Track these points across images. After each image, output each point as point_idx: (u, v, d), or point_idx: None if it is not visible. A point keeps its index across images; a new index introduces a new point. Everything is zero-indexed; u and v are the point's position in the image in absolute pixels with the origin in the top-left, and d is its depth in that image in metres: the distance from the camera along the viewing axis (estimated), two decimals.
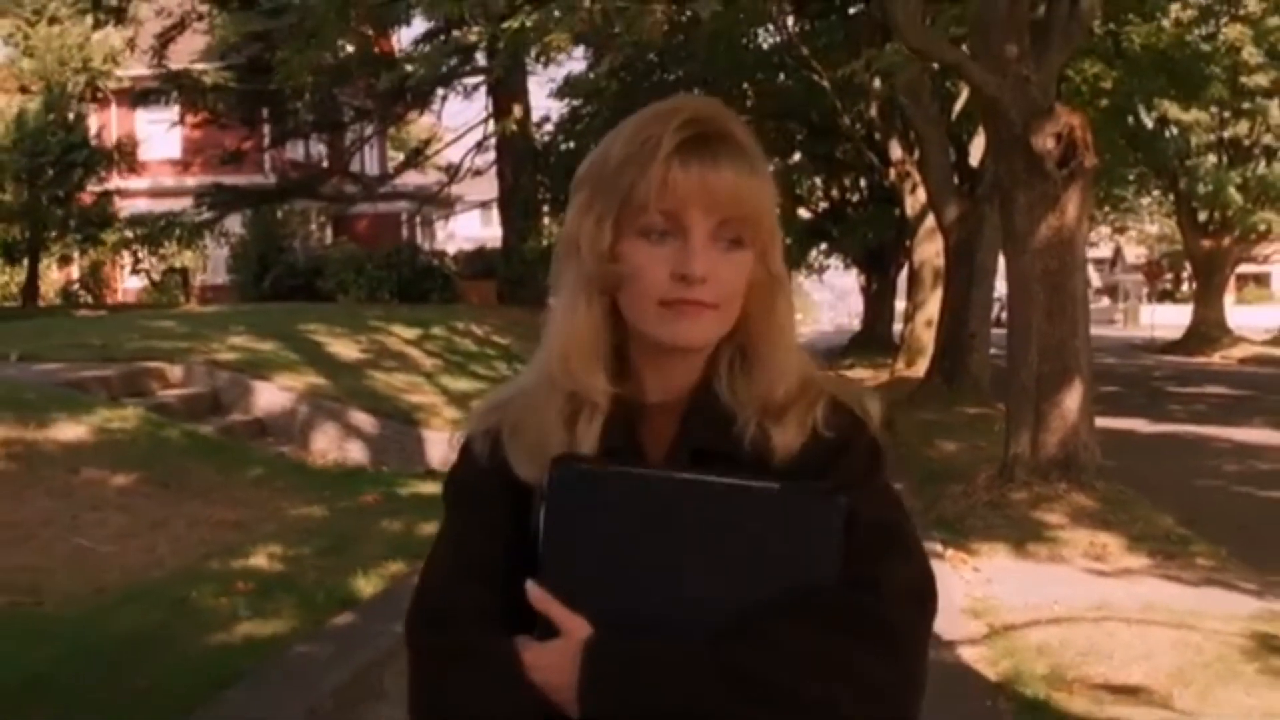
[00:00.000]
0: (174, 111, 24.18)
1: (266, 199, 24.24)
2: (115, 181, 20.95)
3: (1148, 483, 9.96)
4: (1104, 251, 65.00)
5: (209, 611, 5.05)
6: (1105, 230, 54.09)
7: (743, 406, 1.35)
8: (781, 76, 25.28)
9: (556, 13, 10.37)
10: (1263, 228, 31.91)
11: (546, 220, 24.13)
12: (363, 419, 9.05)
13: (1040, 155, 8.68)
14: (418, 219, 34.83)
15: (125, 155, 16.62)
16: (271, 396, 9.10)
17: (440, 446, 8.78)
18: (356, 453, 9.04)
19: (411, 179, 31.46)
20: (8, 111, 15.43)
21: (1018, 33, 9.07)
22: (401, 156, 33.74)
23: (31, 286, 16.89)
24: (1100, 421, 12.82)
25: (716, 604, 1.25)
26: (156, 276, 20.28)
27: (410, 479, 8.39)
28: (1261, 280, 66.46)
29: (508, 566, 1.30)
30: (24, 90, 16.72)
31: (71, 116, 15.80)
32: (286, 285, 24.97)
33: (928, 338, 19.05)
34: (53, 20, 16.81)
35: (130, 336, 10.12)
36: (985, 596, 6.58)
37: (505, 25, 10.37)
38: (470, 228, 49.94)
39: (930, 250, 19.74)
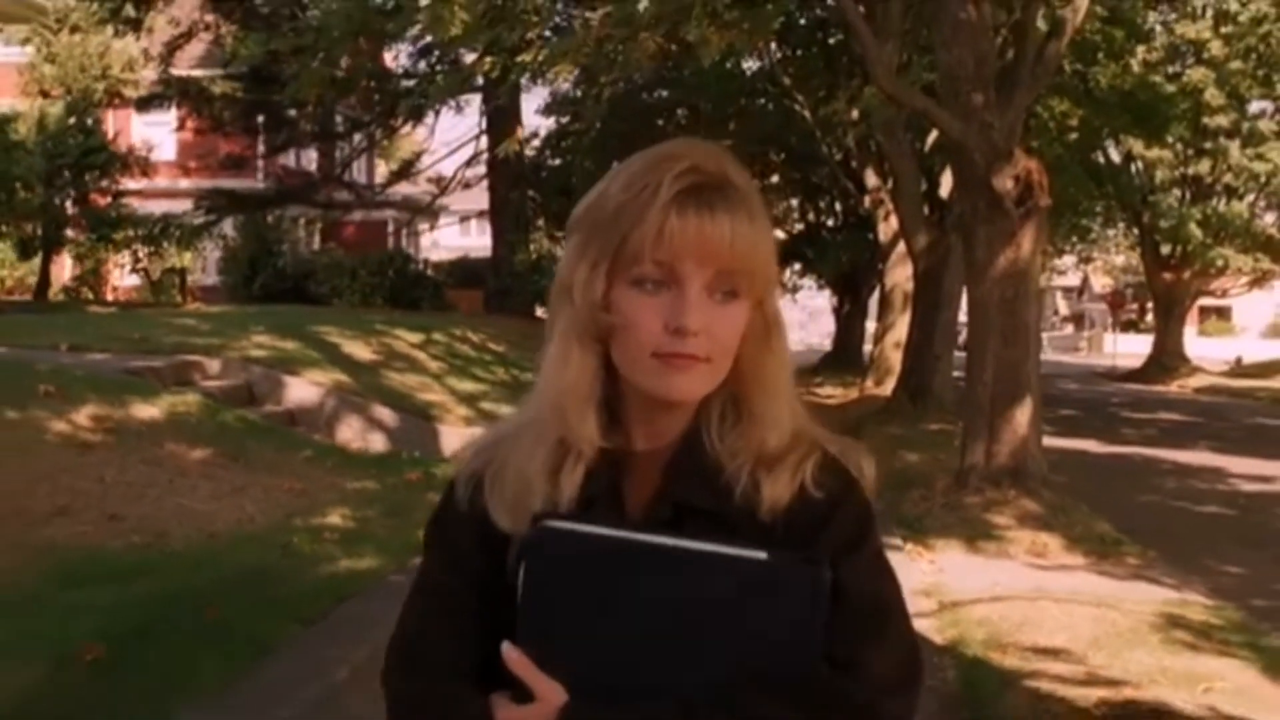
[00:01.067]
0: (170, 115, 25.05)
1: (264, 204, 25.05)
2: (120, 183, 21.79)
3: (1093, 496, 10.80)
4: (1073, 280, 66.35)
5: (309, 552, 6.21)
6: (1071, 260, 55.34)
7: (732, 457, 1.33)
8: (762, 101, 26.13)
9: (557, 46, 11.29)
10: (1220, 263, 33.00)
11: (539, 233, 24.98)
12: (384, 413, 9.92)
13: (1000, 194, 9.64)
14: (402, 227, 35.76)
15: (138, 159, 17.41)
16: (301, 390, 9.95)
17: (454, 440, 9.66)
18: (379, 443, 9.89)
19: (399, 188, 32.32)
20: (30, 114, 16.21)
21: (983, 84, 10.04)
22: (385, 165, 34.62)
23: (44, 282, 17.67)
24: (1056, 442, 13.89)
25: (694, 674, 1.23)
26: (155, 276, 21.02)
27: (441, 463, 9.35)
28: (1223, 313, 67.84)
29: (483, 618, 1.31)
30: (45, 94, 17.52)
31: (90, 121, 16.58)
32: (276, 288, 25.68)
33: (896, 358, 19.98)
34: (74, 29, 17.65)
35: (160, 332, 10.96)
36: (938, 582, 7.52)
37: (519, 59, 11.23)
38: (450, 237, 50.73)
39: (901, 275, 20.70)
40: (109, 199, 17.37)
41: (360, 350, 11.96)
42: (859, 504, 1.34)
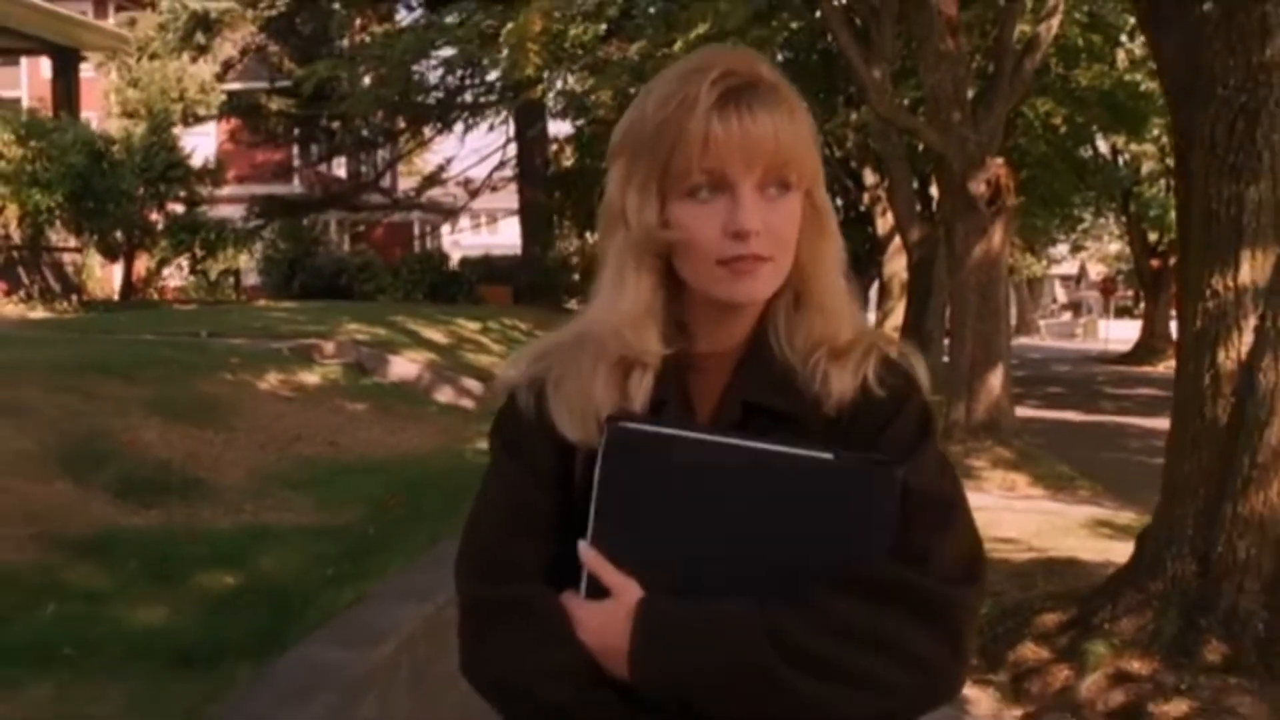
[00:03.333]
0: (210, 127, 27.15)
1: (310, 209, 27.09)
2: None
3: (1065, 453, 12.61)
4: (1071, 269, 68.16)
5: (476, 462, 7.71)
6: (1065, 249, 57.06)
7: (798, 352, 1.35)
8: None
9: (602, 77, 13.32)
10: None
11: (568, 231, 26.98)
12: (472, 384, 11.84)
13: (974, 196, 11.63)
14: (428, 228, 37.89)
15: (210, 172, 19.49)
16: (402, 366, 11.87)
17: None
18: (473, 407, 11.85)
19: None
20: (120, 135, 18.28)
21: (960, 104, 12.03)
22: (404, 169, 36.64)
23: (128, 284, 19.78)
24: (1042, 413, 15.87)
25: (767, 570, 1.25)
26: (213, 276, 23.08)
27: None
28: None
29: (554, 520, 1.33)
30: (129, 115, 19.61)
31: (168, 138, 18.63)
32: (314, 286, 27.66)
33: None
34: (153, 56, 19.74)
35: (271, 322, 13.01)
36: None
37: (566, 88, 13.26)
38: (467, 236, 52.71)
39: (898, 265, 22.75)
40: (186, 208, 19.38)
41: (436, 335, 13.98)
42: (921, 404, 1.36)
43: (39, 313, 15.10)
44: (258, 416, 7.60)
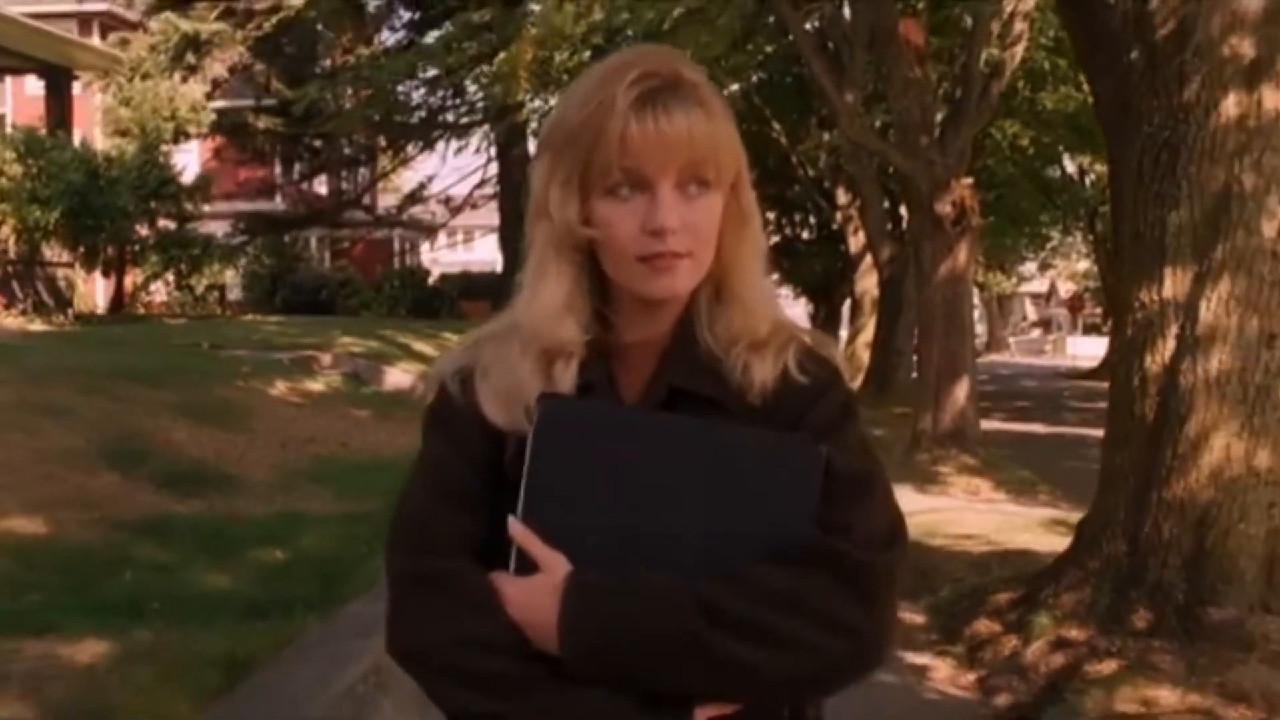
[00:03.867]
0: (193, 144, 27.63)
1: (294, 226, 27.63)
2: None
3: (1028, 462, 13.25)
4: (1041, 287, 69.14)
5: None
6: (1033, 267, 57.93)
7: (720, 343, 1.38)
8: (743, 125, 28.61)
9: None
10: None
11: None
12: None
13: (940, 216, 12.30)
14: (407, 244, 38.46)
15: (201, 189, 19.97)
16: (396, 377, 12.42)
17: None
18: None
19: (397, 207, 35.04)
20: (113, 153, 18.78)
21: (928, 129, 12.70)
22: (383, 185, 37.22)
23: (119, 299, 20.26)
24: (1008, 425, 16.51)
25: (694, 543, 1.28)
26: (199, 291, 23.52)
27: None
28: None
29: (483, 499, 1.35)
30: (121, 134, 20.09)
31: (160, 156, 19.10)
32: (295, 301, 28.21)
33: (866, 356, 22.68)
34: (145, 76, 20.24)
35: (267, 335, 13.57)
36: None
37: (549, 107, 13.84)
38: (444, 253, 53.23)
39: (869, 283, 23.42)
40: (177, 224, 19.85)
41: (425, 348, 14.55)
42: (842, 389, 1.41)
43: (38, 325, 15.57)
44: (273, 420, 8.16)
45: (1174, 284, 4.98)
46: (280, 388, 9.38)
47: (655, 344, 1.40)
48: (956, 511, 9.46)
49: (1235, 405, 4.81)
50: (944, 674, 5.37)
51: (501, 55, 10.90)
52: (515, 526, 1.28)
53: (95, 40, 27.98)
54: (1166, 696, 4.37)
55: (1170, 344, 5.00)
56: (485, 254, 41.45)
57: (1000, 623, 5.57)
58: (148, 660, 3.74)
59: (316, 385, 10.28)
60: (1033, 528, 8.70)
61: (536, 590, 1.26)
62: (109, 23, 31.02)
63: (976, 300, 65.22)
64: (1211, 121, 4.87)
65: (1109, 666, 4.70)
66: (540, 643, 1.26)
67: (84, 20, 32.33)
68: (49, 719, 3.23)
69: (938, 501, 10.47)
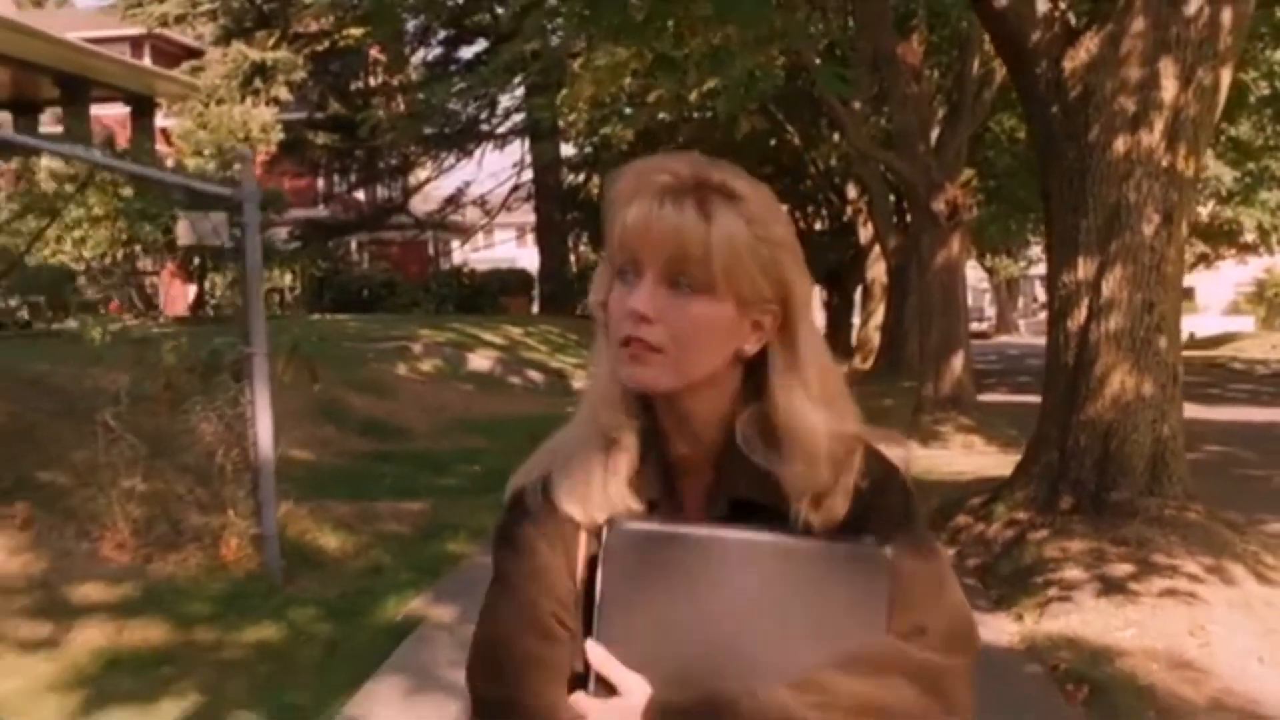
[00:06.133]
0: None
1: (345, 231, 29.85)
2: None
3: (1023, 428, 15.19)
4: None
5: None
6: (1039, 250, 59.55)
7: (784, 484, 1.34)
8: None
9: (628, 120, 16.08)
10: None
11: (583, 247, 29.78)
12: (535, 374, 14.56)
13: (936, 213, 14.39)
14: (441, 245, 40.73)
15: (274, 203, 22.10)
16: (478, 361, 14.54)
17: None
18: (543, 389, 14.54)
19: (426, 208, 37.18)
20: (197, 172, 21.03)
21: (925, 138, 14.79)
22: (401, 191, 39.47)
23: (199, 301, 22.53)
24: (1009, 397, 18.48)
25: (769, 660, 1.28)
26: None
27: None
28: (1188, 293, 72.09)
29: (559, 618, 1.35)
30: (199, 154, 22.27)
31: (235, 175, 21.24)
32: (342, 301, 30.42)
33: (877, 338, 24.80)
34: (219, 100, 22.41)
35: (357, 329, 15.77)
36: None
37: (602, 132, 15.96)
38: (473, 252, 55.36)
39: (879, 270, 25.54)
40: None
41: (493, 337, 16.76)
42: (901, 486, 1.40)
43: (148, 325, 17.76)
44: (408, 393, 10.36)
45: (1085, 270, 7.10)
46: (401, 369, 11.55)
47: (709, 458, 1.38)
48: (953, 457, 11.60)
49: (1127, 353, 6.93)
50: None
51: (564, 92, 12.93)
52: (593, 649, 1.31)
53: (147, 61, 30.25)
54: (1077, 546, 6.52)
55: (1083, 312, 7.12)
56: (505, 251, 43.80)
57: (973, 516, 7.73)
58: (448, 511, 5.88)
59: (425, 367, 12.46)
60: (1009, 466, 10.82)
61: (616, 713, 1.28)
62: (161, 46, 33.28)
63: (987, 284, 66.82)
64: (1107, 156, 6.99)
65: (1042, 534, 6.85)
66: None
67: (136, 43, 34.61)
68: (417, 529, 5.43)
69: (938, 453, 12.60)
